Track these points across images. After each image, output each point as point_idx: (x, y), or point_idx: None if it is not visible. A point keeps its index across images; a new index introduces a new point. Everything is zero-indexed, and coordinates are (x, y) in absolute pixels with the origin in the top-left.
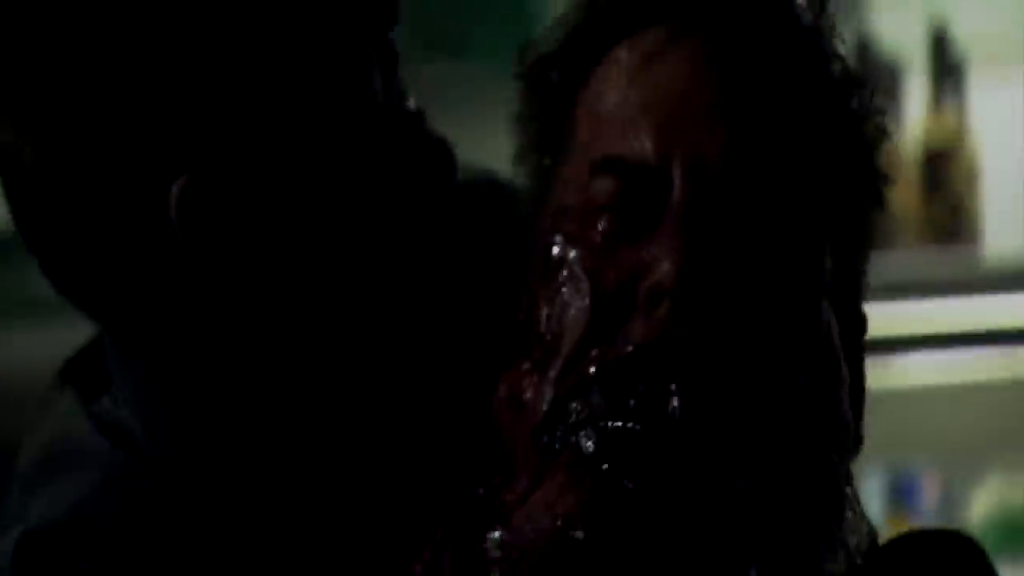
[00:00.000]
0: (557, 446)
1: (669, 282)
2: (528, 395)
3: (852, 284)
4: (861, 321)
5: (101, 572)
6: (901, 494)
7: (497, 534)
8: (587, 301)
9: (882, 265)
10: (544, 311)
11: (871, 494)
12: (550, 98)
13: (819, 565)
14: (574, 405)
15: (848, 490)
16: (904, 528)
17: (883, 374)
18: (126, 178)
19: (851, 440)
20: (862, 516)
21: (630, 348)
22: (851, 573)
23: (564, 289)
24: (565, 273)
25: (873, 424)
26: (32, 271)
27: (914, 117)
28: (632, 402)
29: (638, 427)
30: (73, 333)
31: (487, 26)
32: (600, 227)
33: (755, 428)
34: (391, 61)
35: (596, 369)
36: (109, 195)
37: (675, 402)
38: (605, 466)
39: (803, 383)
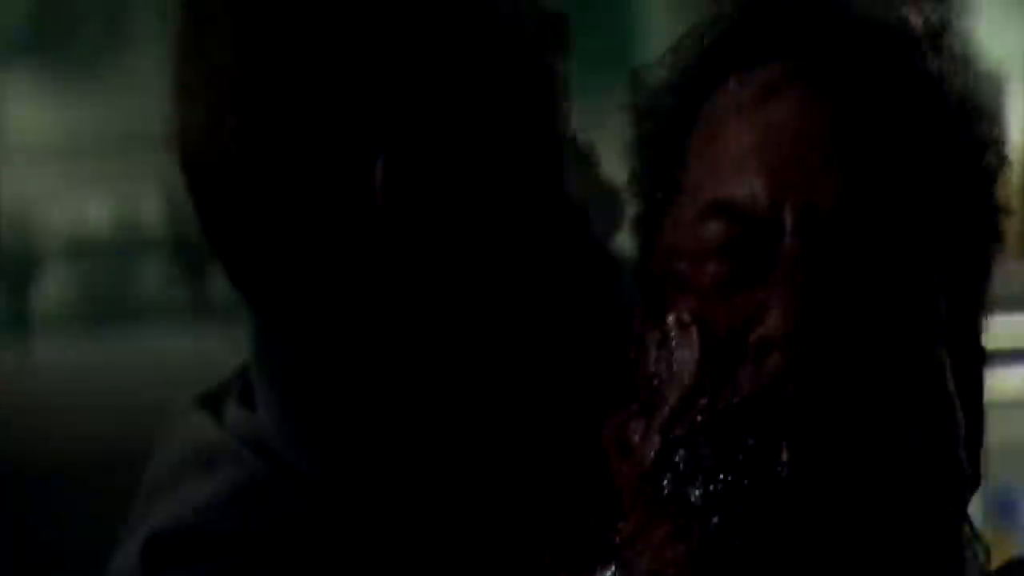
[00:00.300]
0: (664, 494)
1: (779, 333)
2: (636, 440)
3: (972, 318)
4: (981, 355)
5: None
6: (1001, 510)
7: (610, 572)
8: (696, 349)
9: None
10: (652, 355)
11: (970, 510)
12: (662, 130)
13: (959, 539)
14: (682, 454)
15: (964, 533)
16: (1004, 545)
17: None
18: (333, 152)
19: (967, 485)
20: (975, 554)
21: (739, 399)
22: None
23: (673, 334)
24: (674, 318)
25: None
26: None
27: (1016, 128)
28: (741, 455)
29: (746, 482)
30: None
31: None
32: (710, 272)
33: (867, 485)
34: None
35: (704, 419)
36: (314, 171)
37: (784, 457)
38: (714, 520)
39: (917, 435)
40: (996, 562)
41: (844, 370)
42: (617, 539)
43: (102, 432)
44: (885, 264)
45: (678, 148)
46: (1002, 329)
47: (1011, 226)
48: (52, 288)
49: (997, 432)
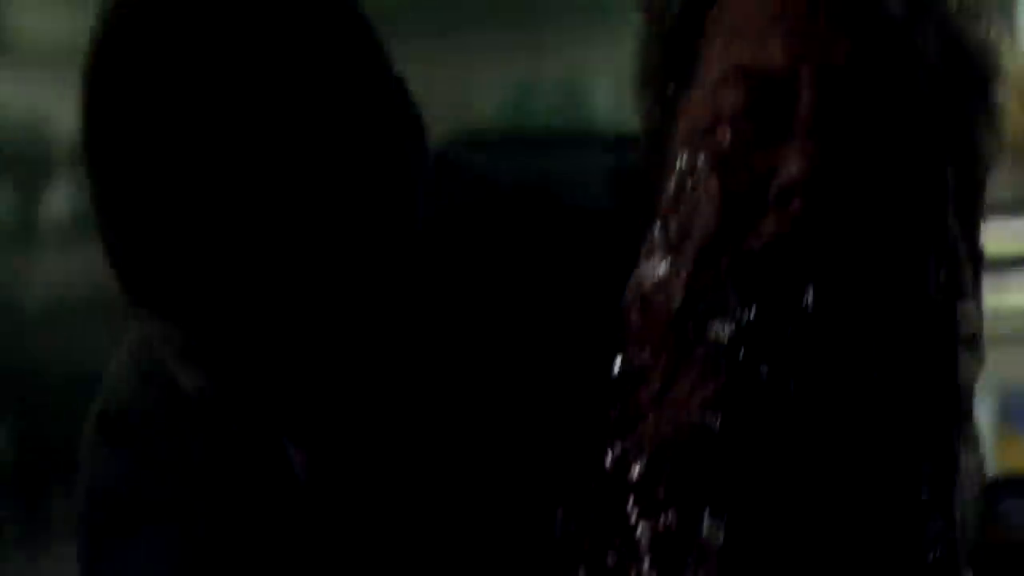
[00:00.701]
0: (691, 337)
1: (800, 178)
2: (659, 296)
3: (970, 216)
4: (979, 254)
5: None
6: (1011, 415)
7: (627, 439)
8: (717, 199)
9: (991, 183)
10: (674, 217)
11: (980, 415)
12: (676, 21)
13: (955, 458)
14: (707, 297)
15: (971, 406)
16: (1017, 448)
17: (992, 293)
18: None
19: (975, 346)
20: (981, 441)
21: (763, 242)
22: (977, 482)
23: (695, 193)
24: (695, 179)
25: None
26: None
27: None
28: (767, 296)
29: (772, 320)
30: None
31: None
32: (729, 136)
33: (886, 323)
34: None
35: (729, 263)
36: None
37: (809, 296)
38: (742, 353)
39: (930, 281)
40: (1010, 463)
41: (863, 216)
42: (641, 402)
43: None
44: (898, 119)
45: (694, 37)
46: (1016, 234)
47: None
48: (62, 196)
49: (1009, 339)
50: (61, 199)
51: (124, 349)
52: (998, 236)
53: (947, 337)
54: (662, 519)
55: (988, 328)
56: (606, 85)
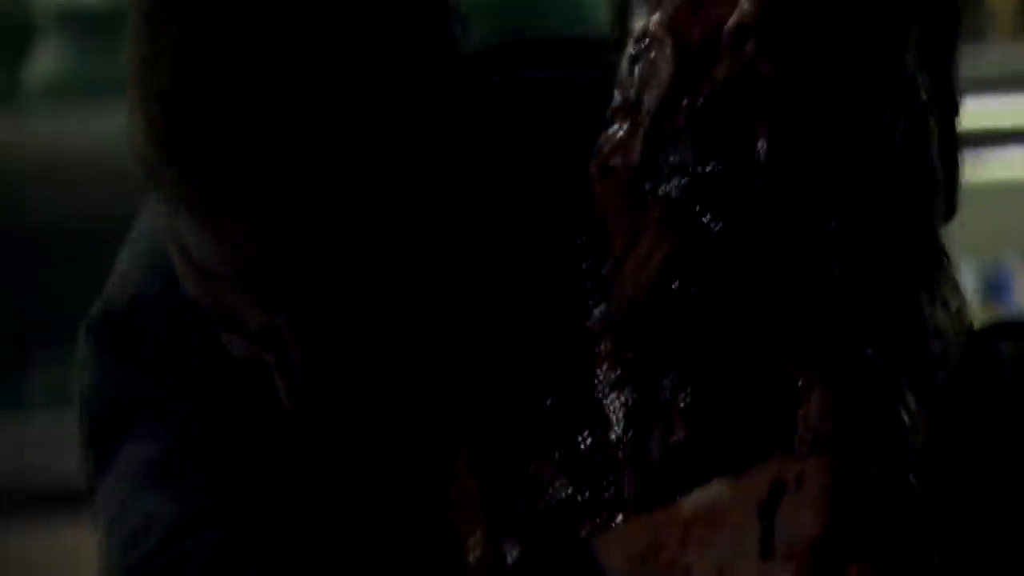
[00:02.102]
0: (649, 196)
1: (752, 17)
2: (618, 158)
3: (943, 66)
4: (954, 105)
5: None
6: (993, 289)
7: (598, 309)
8: (672, 55)
9: (975, 59)
10: (632, 80)
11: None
12: None
13: (920, 313)
14: (664, 156)
15: (945, 252)
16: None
17: (975, 169)
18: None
19: (942, 198)
20: (962, 294)
21: (715, 88)
22: (953, 339)
23: (649, 54)
24: (650, 38)
25: (965, 219)
26: None
27: None
28: (720, 146)
29: (726, 169)
30: None
31: None
32: None
33: (843, 170)
34: None
35: (684, 115)
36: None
37: (762, 143)
38: (696, 209)
39: (889, 127)
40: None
41: (816, 57)
42: (605, 272)
43: (91, 203)
44: None
45: None
46: (1000, 110)
47: (1009, 5)
48: (46, 60)
49: (992, 214)
50: (46, 63)
51: (131, 249)
52: (982, 112)
53: (911, 186)
54: (630, 385)
55: (971, 203)
56: None
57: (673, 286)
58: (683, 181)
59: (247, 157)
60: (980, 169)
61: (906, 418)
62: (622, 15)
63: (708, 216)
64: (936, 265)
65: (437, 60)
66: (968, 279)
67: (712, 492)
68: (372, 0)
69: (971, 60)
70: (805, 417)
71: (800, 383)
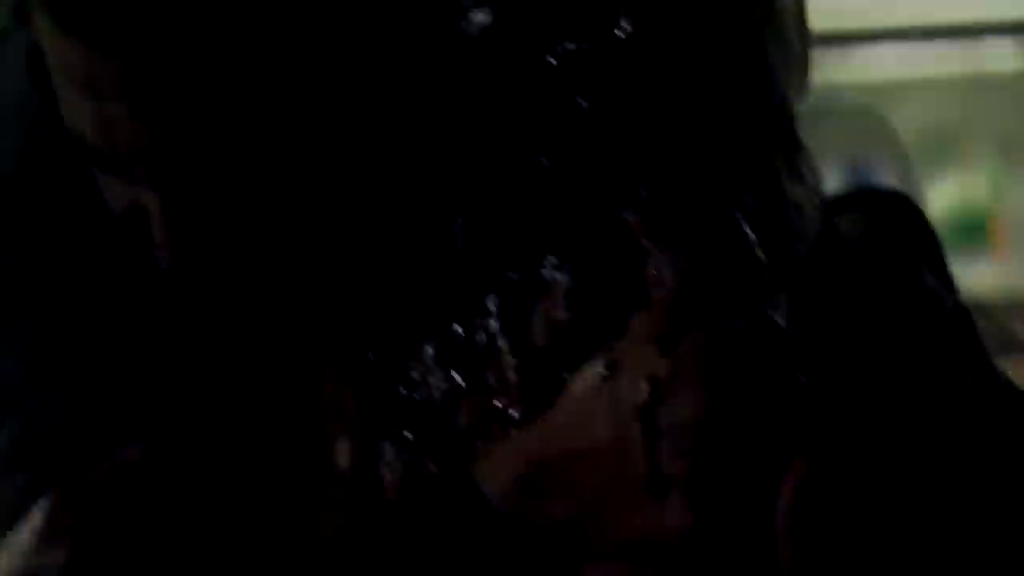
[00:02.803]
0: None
1: None
2: None
3: None
4: None
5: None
6: (859, 179)
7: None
8: None
9: None
10: None
11: (829, 190)
12: None
13: (779, 184)
14: (536, 35)
15: (799, 135)
16: None
17: (844, 68)
18: None
19: (798, 74)
20: (817, 171)
21: None
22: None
23: None
24: None
25: (832, 119)
26: None
27: None
28: (583, 22)
29: (588, 47)
30: None
31: None
32: None
33: (702, 45)
34: None
35: None
36: None
37: (625, 23)
38: (561, 84)
39: (747, 3)
40: None
41: None
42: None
43: None
44: None
45: None
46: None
47: None
48: None
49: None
50: None
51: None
52: (851, 11)
53: (769, 61)
54: (502, 274)
55: (840, 102)
56: None
57: (547, 163)
58: (552, 58)
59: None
60: (847, 69)
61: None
62: None
63: (574, 92)
64: (793, 141)
65: None
66: (834, 181)
67: (584, 392)
68: None
69: None
70: (658, 278)
71: (649, 250)
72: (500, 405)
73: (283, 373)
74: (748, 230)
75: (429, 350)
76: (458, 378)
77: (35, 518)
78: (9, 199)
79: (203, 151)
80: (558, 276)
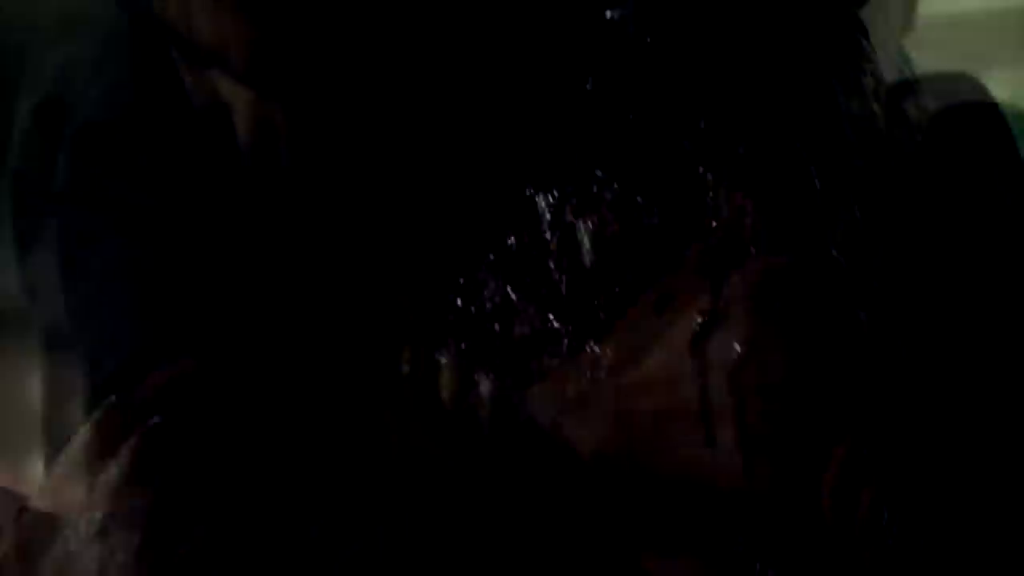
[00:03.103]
0: None
1: None
2: None
3: None
4: None
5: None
6: None
7: None
8: None
9: None
10: None
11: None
12: None
13: (836, 105)
14: None
15: (863, 31)
16: None
17: None
18: None
19: None
20: (879, 72)
21: None
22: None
23: None
24: None
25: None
26: None
27: None
28: None
29: None
30: None
31: None
32: None
33: None
34: None
35: None
36: None
37: None
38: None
39: None
40: None
41: None
42: None
43: None
44: None
45: None
46: None
47: None
48: None
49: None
50: None
51: (78, 47)
52: None
53: None
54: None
55: None
56: None
57: (592, 91)
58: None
59: None
60: None
61: (816, 194)
62: None
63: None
64: (853, 49)
65: None
66: None
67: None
68: None
69: None
70: (714, 209)
71: (706, 180)
72: (551, 322)
73: (360, 281)
74: (804, 158)
75: (483, 261)
76: (510, 290)
77: (85, 433)
78: (126, 130)
79: (335, 74)
80: (607, 192)
